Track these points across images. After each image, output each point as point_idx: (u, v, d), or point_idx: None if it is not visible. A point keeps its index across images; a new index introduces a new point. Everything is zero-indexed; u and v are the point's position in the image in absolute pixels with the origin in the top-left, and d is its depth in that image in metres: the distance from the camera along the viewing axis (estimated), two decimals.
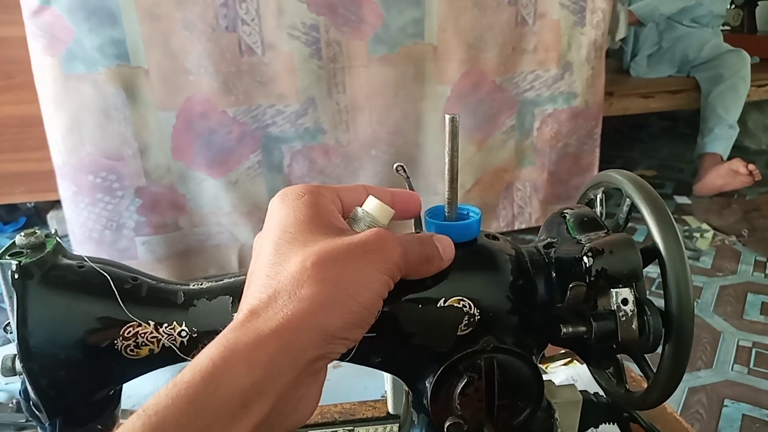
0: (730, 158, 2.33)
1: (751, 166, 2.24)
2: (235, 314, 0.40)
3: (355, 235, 0.32)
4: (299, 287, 0.28)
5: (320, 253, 0.29)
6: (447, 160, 0.39)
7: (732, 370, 1.34)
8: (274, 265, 0.30)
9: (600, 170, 2.02)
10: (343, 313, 0.29)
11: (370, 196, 0.37)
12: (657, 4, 2.37)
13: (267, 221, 0.33)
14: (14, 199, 2.05)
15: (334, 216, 0.33)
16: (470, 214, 0.42)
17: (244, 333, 0.27)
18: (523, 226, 2.03)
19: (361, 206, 0.37)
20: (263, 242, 0.32)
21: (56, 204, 1.98)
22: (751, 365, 1.35)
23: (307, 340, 0.28)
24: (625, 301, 0.37)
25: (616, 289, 0.37)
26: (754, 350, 1.41)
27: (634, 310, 0.37)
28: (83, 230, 1.65)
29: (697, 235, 2.02)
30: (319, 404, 0.66)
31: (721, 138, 2.34)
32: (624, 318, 0.37)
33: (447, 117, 0.38)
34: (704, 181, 2.32)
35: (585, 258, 0.38)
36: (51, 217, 2.07)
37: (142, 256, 1.70)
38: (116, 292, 0.40)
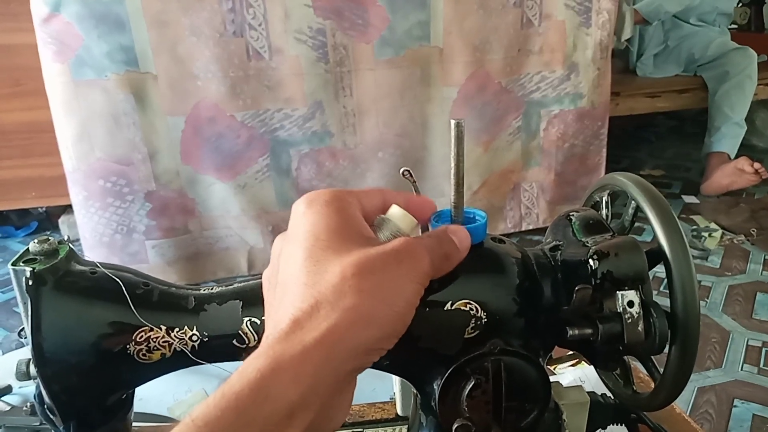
0: (737, 157, 2.31)
1: (757, 165, 2.23)
2: (245, 318, 0.41)
3: (385, 244, 0.32)
4: (341, 298, 0.29)
5: (358, 263, 0.29)
6: (453, 164, 0.40)
7: (742, 369, 1.34)
8: (311, 274, 0.30)
9: (607, 170, 2.03)
10: (382, 325, 0.29)
11: (394, 205, 0.37)
12: (662, 2, 2.36)
13: (294, 226, 0.33)
14: (25, 204, 2.07)
15: (362, 224, 0.33)
16: (476, 217, 0.42)
17: (290, 345, 0.27)
18: (531, 227, 2.03)
19: (384, 213, 0.37)
20: (293, 248, 0.32)
21: (67, 208, 1.99)
22: (761, 365, 1.35)
23: (349, 352, 0.28)
24: (630, 304, 0.37)
25: (621, 292, 0.37)
26: (763, 350, 1.40)
27: (640, 312, 0.37)
28: (94, 235, 1.67)
29: (706, 234, 2.01)
30: None
31: (728, 137, 2.33)
32: (630, 320, 0.37)
33: (452, 122, 0.38)
34: (711, 180, 2.31)
35: (591, 261, 0.38)
36: (62, 222, 2.08)
37: (153, 260, 1.72)
38: (128, 298, 0.40)
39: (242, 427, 0.25)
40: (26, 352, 0.39)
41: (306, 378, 0.27)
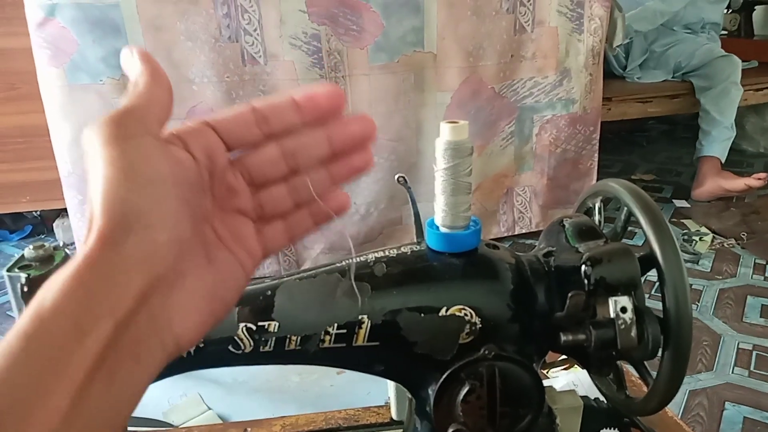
0: (727, 162, 2.33)
1: (763, 174, 2.21)
2: (241, 324, 0.41)
3: None
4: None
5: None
6: None
7: (733, 372, 1.35)
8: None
9: (599, 174, 2.03)
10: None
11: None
12: (630, 22, 2.37)
13: None
14: (19, 208, 2.06)
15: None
16: (470, 223, 0.43)
17: (65, 269, 0.26)
18: (524, 231, 2.03)
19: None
20: None
21: (62, 212, 1.99)
22: (752, 368, 1.36)
23: (119, 258, 0.26)
24: (623, 309, 0.38)
25: (614, 297, 0.38)
26: (754, 353, 1.41)
27: (632, 317, 0.37)
28: None
29: (696, 238, 2.03)
30: (324, 410, 0.66)
31: (718, 141, 2.34)
32: (623, 326, 0.37)
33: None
34: (704, 187, 2.32)
35: (584, 267, 0.38)
36: (57, 226, 2.07)
37: None
38: None
39: (26, 346, 0.24)
40: None
41: (77, 291, 0.25)
